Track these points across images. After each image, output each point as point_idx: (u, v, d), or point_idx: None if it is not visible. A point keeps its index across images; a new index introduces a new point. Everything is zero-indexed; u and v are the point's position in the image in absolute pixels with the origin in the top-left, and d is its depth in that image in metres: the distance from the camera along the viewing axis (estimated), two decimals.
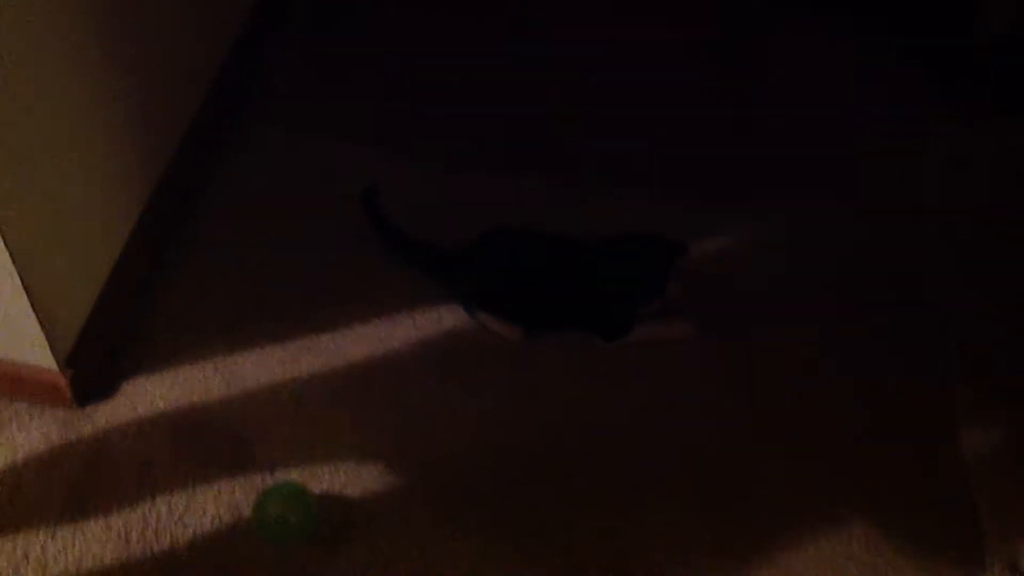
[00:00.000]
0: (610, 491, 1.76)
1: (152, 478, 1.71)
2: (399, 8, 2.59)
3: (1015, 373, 1.94)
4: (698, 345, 1.96)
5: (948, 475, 1.80)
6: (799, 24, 2.61)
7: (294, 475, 1.72)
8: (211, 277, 1.99)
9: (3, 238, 1.49)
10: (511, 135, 2.32)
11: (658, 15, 2.62)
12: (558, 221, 2.04)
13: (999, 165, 2.29)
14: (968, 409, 1.88)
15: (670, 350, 1.94)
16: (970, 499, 1.77)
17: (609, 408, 1.87)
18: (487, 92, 2.42)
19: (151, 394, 1.81)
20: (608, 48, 2.54)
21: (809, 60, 2.56)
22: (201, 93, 2.19)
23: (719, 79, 2.47)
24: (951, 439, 1.85)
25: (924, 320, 2.02)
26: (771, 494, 1.77)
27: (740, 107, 2.41)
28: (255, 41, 2.42)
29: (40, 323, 1.65)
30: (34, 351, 1.70)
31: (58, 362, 1.73)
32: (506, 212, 2.10)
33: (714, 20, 2.62)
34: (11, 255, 1.52)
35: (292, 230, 2.09)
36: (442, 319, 1.95)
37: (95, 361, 1.82)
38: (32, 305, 1.62)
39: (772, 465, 1.81)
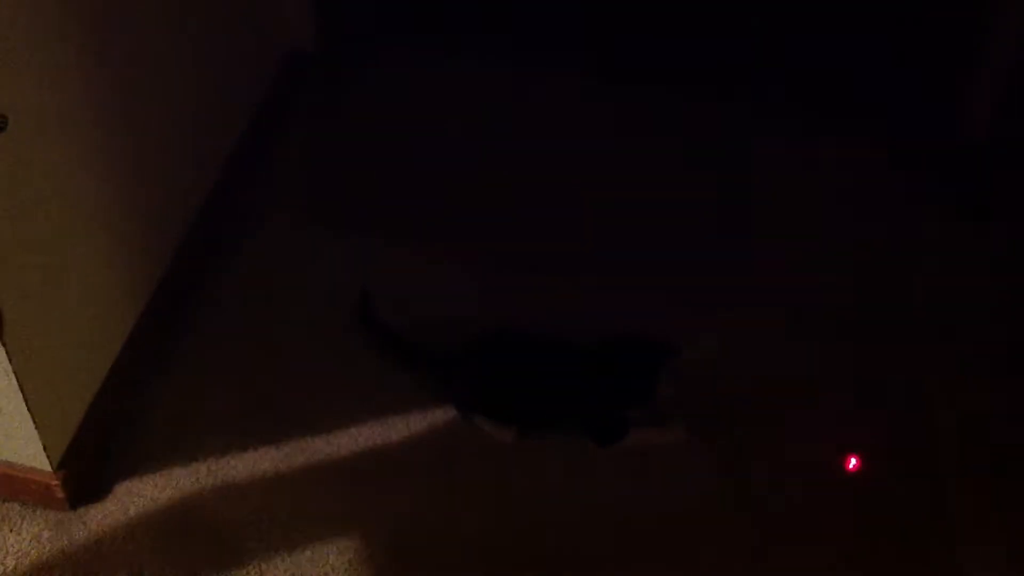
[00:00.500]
0: None
1: None
2: (405, 103, 2.66)
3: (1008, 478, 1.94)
4: (690, 446, 1.96)
5: None
6: (790, 130, 2.66)
7: None
8: (209, 375, 2.01)
9: (1, 339, 1.51)
10: (516, 237, 2.35)
11: (654, 133, 2.67)
12: (558, 319, 2.07)
13: (984, 266, 2.33)
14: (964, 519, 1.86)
15: (663, 455, 1.94)
16: None
17: (600, 512, 1.86)
18: (492, 194, 2.45)
19: (144, 496, 1.81)
20: (604, 159, 2.58)
21: (799, 164, 2.60)
22: (207, 188, 2.23)
23: (713, 185, 2.50)
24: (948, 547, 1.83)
25: (920, 423, 2.02)
26: None
27: (734, 218, 2.44)
28: (263, 133, 2.47)
29: (35, 424, 1.65)
30: (27, 452, 1.71)
31: (51, 463, 1.73)
32: (506, 306, 2.13)
33: (712, 127, 2.66)
34: (8, 355, 1.54)
35: (293, 328, 2.11)
36: (435, 421, 1.96)
37: (88, 462, 1.82)
38: (27, 406, 1.62)
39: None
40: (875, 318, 2.21)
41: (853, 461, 1.92)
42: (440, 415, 1.96)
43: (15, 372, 1.57)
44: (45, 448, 1.70)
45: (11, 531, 1.74)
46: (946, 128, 2.54)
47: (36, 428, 1.66)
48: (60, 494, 1.76)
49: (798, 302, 2.22)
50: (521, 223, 2.37)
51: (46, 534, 1.75)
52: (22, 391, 1.60)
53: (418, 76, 2.72)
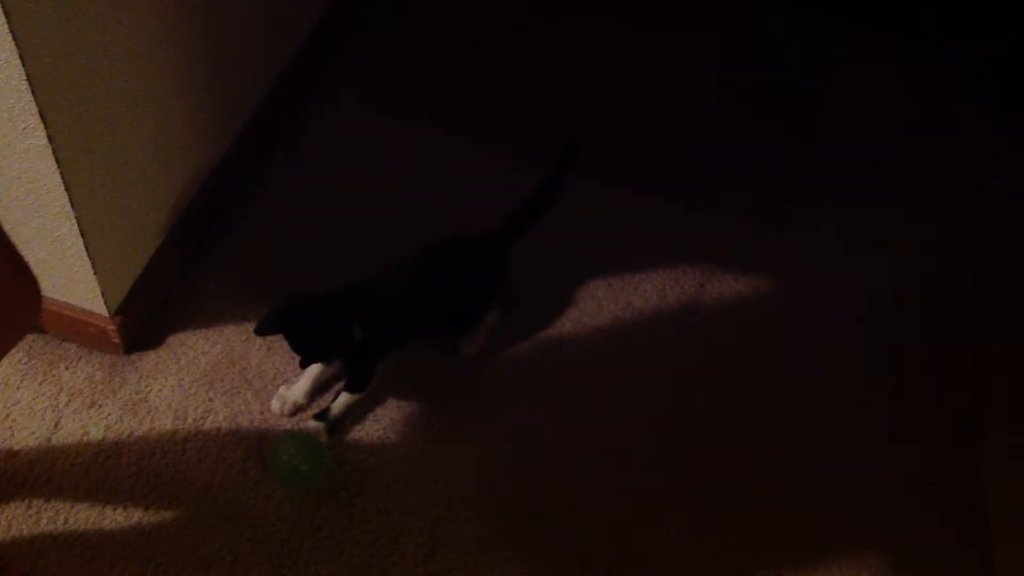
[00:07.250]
0: (616, 497, 1.79)
1: (186, 426, 1.78)
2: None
3: None
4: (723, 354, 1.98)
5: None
6: (867, 57, 2.61)
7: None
8: (268, 243, 2.07)
9: (64, 181, 1.57)
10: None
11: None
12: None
13: None
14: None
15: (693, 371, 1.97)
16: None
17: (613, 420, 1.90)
18: (539, 92, 2.47)
19: (195, 348, 1.89)
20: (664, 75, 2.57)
21: (875, 93, 2.55)
22: (279, 67, 2.25)
23: (783, 111, 2.48)
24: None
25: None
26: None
27: (804, 137, 2.41)
28: (339, 19, 2.48)
29: (94, 270, 1.72)
30: (87, 296, 1.78)
31: (109, 309, 1.80)
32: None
33: (784, 53, 2.62)
34: (70, 199, 1.60)
35: (357, 203, 2.16)
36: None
37: (145, 312, 1.90)
38: (88, 252, 1.69)
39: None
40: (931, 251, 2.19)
41: None
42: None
43: (77, 218, 1.63)
44: (104, 294, 1.77)
45: (67, 369, 1.84)
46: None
47: (95, 274, 1.73)
48: (115, 339, 1.84)
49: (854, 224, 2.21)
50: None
51: (99, 375, 1.84)
52: (83, 237, 1.66)
53: None
